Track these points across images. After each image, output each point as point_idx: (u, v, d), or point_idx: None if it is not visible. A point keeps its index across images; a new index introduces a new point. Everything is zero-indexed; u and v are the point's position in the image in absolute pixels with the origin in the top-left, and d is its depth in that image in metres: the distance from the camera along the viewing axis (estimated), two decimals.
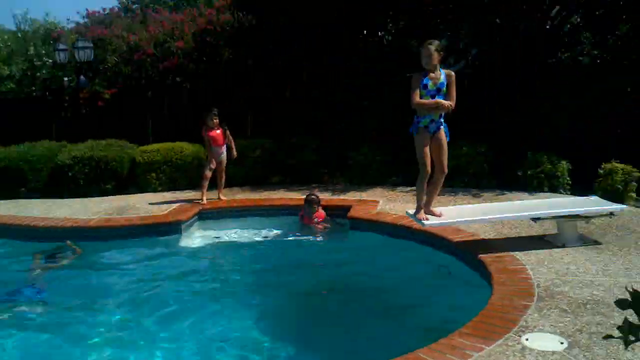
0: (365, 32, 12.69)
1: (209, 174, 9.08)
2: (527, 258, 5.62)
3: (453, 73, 5.78)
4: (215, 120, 9.00)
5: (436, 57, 5.60)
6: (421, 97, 5.59)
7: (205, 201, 9.00)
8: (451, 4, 10.64)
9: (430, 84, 5.58)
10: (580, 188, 8.56)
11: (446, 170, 5.90)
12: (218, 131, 9.07)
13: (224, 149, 9.19)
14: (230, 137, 9.28)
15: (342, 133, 11.14)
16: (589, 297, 4.59)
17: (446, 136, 5.79)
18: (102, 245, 7.79)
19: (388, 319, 5.39)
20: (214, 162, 9.10)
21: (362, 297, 5.97)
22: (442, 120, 5.74)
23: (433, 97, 5.60)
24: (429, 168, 5.74)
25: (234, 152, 9.34)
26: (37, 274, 6.79)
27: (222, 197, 9.29)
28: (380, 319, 5.39)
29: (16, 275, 6.78)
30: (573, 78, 10.33)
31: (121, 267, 7.19)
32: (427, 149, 5.71)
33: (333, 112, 11.60)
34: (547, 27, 10.93)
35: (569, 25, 11.40)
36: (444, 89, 5.63)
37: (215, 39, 13.12)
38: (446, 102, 5.60)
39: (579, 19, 11.36)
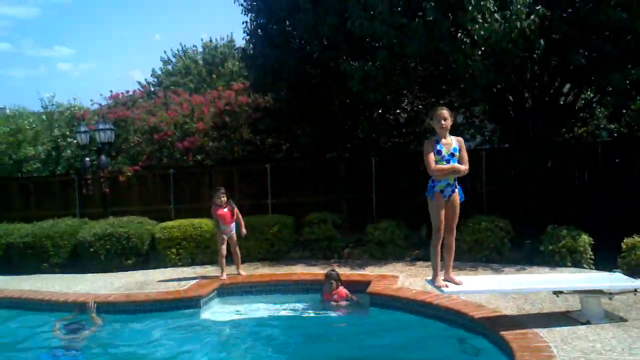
0: (380, 110, 13.08)
1: (223, 251, 9.13)
2: (550, 335, 5.49)
3: (461, 138, 5.91)
4: (222, 199, 9.10)
5: (450, 120, 5.74)
6: (436, 163, 5.68)
7: (225, 276, 9.03)
8: (462, 84, 10.84)
9: (444, 150, 5.69)
10: (603, 263, 8.44)
11: (455, 232, 5.95)
12: (225, 209, 9.15)
13: (232, 226, 9.26)
14: (239, 215, 9.36)
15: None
16: None
17: (460, 197, 5.87)
18: (123, 319, 7.82)
19: None
20: (224, 239, 9.17)
21: None
22: (456, 183, 5.83)
23: (448, 162, 5.70)
24: (442, 233, 5.79)
25: (243, 230, 9.38)
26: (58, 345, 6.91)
27: (242, 272, 9.30)
28: None
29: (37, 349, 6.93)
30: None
31: (139, 342, 7.13)
32: (443, 214, 5.76)
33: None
34: (561, 102, 11.10)
35: (583, 101, 11.56)
36: (457, 153, 5.74)
37: (235, 118, 13.59)
38: (462, 167, 5.71)
39: (592, 95, 11.53)
